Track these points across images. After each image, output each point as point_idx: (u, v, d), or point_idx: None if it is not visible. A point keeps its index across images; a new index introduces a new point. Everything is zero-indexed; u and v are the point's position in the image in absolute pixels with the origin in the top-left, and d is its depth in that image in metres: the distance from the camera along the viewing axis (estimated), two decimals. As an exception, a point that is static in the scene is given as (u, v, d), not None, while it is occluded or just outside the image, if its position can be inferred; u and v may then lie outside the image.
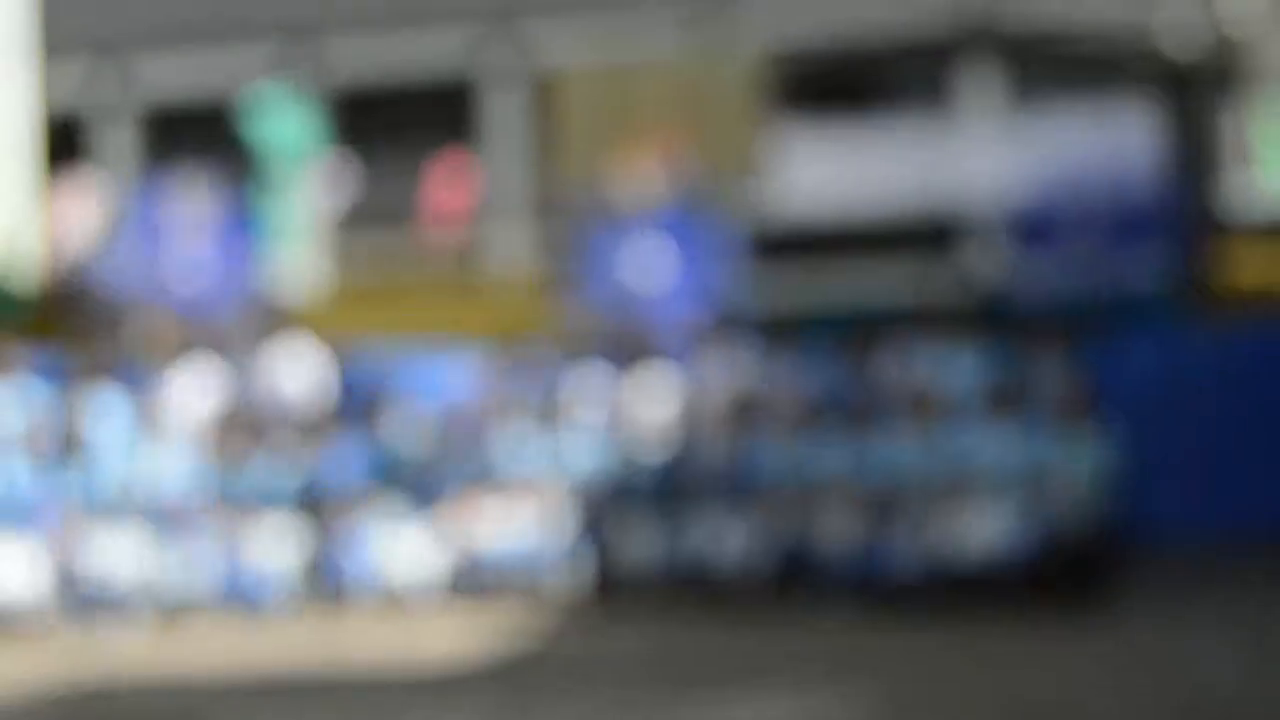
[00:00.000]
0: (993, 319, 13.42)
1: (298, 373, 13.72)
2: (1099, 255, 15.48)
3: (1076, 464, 11.50)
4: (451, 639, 10.48)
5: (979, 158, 18.11)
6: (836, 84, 19.35)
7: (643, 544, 12.17)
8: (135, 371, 13.24)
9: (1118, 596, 11.03)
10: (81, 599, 11.66)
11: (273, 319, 15.02)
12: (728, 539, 11.96)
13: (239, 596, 12.15)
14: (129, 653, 10.37)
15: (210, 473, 12.54)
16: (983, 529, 11.39)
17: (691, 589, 11.84)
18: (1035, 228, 15.72)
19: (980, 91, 18.76)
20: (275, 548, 12.34)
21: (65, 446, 12.20)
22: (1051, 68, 18.23)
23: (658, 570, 12.06)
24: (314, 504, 12.54)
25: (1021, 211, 16.09)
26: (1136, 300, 15.51)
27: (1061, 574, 11.16)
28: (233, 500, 12.46)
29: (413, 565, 12.42)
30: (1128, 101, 17.57)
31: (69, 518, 11.93)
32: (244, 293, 15.62)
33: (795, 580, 11.71)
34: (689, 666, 9.30)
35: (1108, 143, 16.58)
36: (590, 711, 7.78)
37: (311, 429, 13.09)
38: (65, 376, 12.66)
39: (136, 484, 12.24)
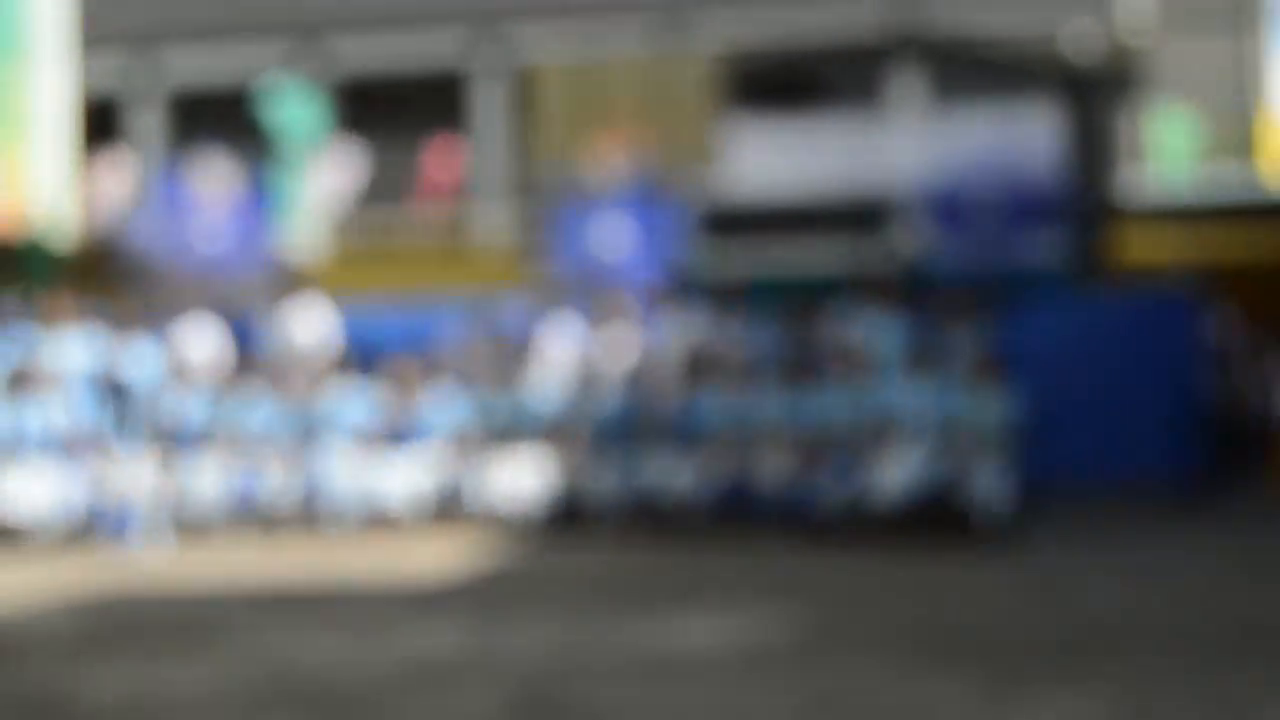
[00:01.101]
0: (913, 289, 13.37)
1: (307, 325, 13.69)
2: (1007, 234, 15.44)
3: (984, 416, 11.50)
4: (434, 559, 10.45)
5: (904, 148, 18.09)
6: (781, 82, 19.29)
7: (603, 479, 12.15)
8: (161, 322, 13.19)
9: (1021, 535, 11.04)
10: (114, 518, 11.63)
11: (285, 279, 14.96)
12: (677, 476, 11.95)
13: (246, 516, 12.13)
14: (152, 567, 10.30)
15: (224, 409, 12.50)
16: (900, 472, 11.38)
17: (644, 519, 11.83)
18: (952, 210, 15.66)
19: (906, 90, 18.73)
20: (279, 475, 12.32)
21: (105, 386, 12.21)
22: (969, 70, 18.20)
23: (616, 502, 12.04)
24: (315, 437, 12.52)
25: (940, 196, 16.02)
26: (1039, 274, 15.50)
27: (968, 513, 11.16)
28: (243, 433, 12.42)
29: (402, 492, 12.40)
30: (1034, 101, 17.56)
31: (104, 447, 11.90)
32: (260, 257, 15.54)
33: (735, 514, 11.70)
34: (641, 587, 9.27)
35: (1017, 136, 16.56)
36: (554, 624, 7.75)
37: (316, 373, 13.06)
38: (107, 325, 12.66)
39: (162, 419, 12.21)
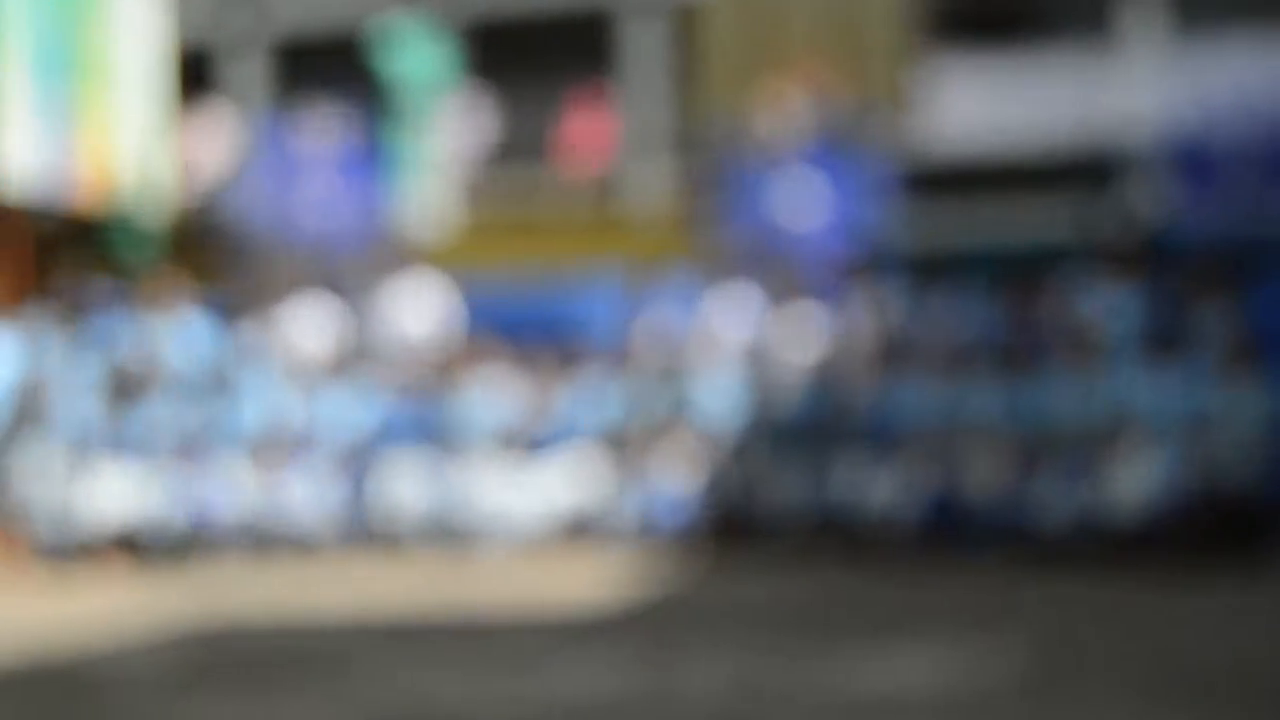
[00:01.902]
0: (1154, 258, 13.17)
1: (423, 308, 13.83)
2: (1267, 191, 15.15)
3: (1239, 413, 11.30)
4: (584, 582, 10.51)
5: (1141, 89, 17.83)
6: (992, 12, 19.11)
7: (782, 488, 12.13)
8: (269, 308, 13.42)
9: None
10: (220, 532, 11.89)
11: (401, 254, 15.12)
12: (871, 485, 11.89)
13: (368, 532, 12.32)
14: (263, 588, 10.50)
15: (340, 408, 12.69)
16: (1138, 479, 11.23)
17: (831, 536, 11.79)
18: (1200, 163, 15.39)
19: (1143, 19, 18.44)
20: (404, 485, 12.47)
21: (213, 381, 12.47)
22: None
23: (797, 516, 12.02)
24: (444, 443, 12.66)
25: (1185, 146, 15.77)
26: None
27: (1220, 529, 10.99)
28: (362, 437, 12.61)
29: (544, 504, 12.49)
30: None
31: (205, 451, 12.15)
32: (373, 228, 15.74)
33: (941, 529, 11.62)
34: (832, 616, 9.25)
35: (1276, 73, 16.24)
36: (732, 659, 7.75)
37: (439, 366, 13.20)
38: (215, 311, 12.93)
39: (269, 419, 12.44)
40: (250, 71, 21.65)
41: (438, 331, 13.60)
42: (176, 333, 12.63)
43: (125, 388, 12.29)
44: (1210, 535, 10.98)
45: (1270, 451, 11.24)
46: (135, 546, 11.81)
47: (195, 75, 19.67)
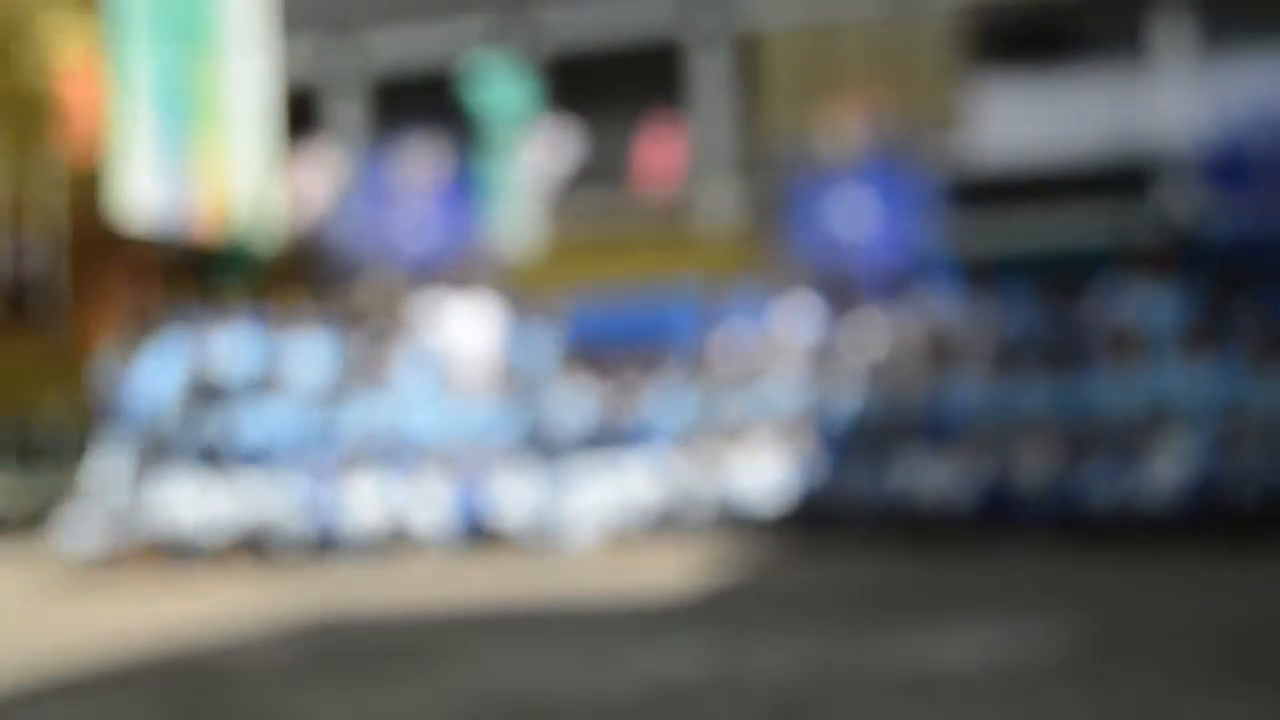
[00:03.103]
0: (1189, 258, 13.05)
1: (478, 325, 13.83)
2: (1294, 195, 15.00)
3: (1272, 402, 11.16)
4: (666, 572, 10.50)
5: (1174, 101, 17.66)
6: (1032, 35, 18.98)
7: (849, 481, 12.09)
8: (370, 327, 13.48)
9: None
10: (331, 535, 11.95)
11: (495, 275, 15.18)
12: (930, 476, 11.83)
13: (471, 534, 12.35)
14: (367, 586, 10.56)
15: (449, 417, 12.73)
16: (1178, 466, 11.11)
17: (893, 525, 11.74)
18: (1231, 168, 15.23)
19: (1175, 36, 18.25)
20: (508, 489, 12.49)
21: (332, 394, 12.53)
22: (1244, 10, 17.68)
23: (861, 507, 11.97)
24: (541, 447, 12.68)
25: (1216, 152, 15.62)
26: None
27: (1256, 511, 10.86)
28: (470, 443, 12.64)
29: (628, 500, 12.49)
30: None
31: (327, 460, 12.23)
32: (467, 250, 15.80)
33: (995, 516, 11.55)
34: (897, 599, 9.20)
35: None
36: (805, 641, 7.73)
37: (534, 378, 13.22)
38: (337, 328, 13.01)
39: (382, 429, 12.49)
40: (350, 109, 21.77)
41: (491, 346, 13.60)
42: (302, 346, 12.73)
43: (249, 397, 12.37)
44: (1246, 517, 10.85)
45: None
46: (261, 549, 11.89)
47: (301, 114, 19.81)
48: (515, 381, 13.02)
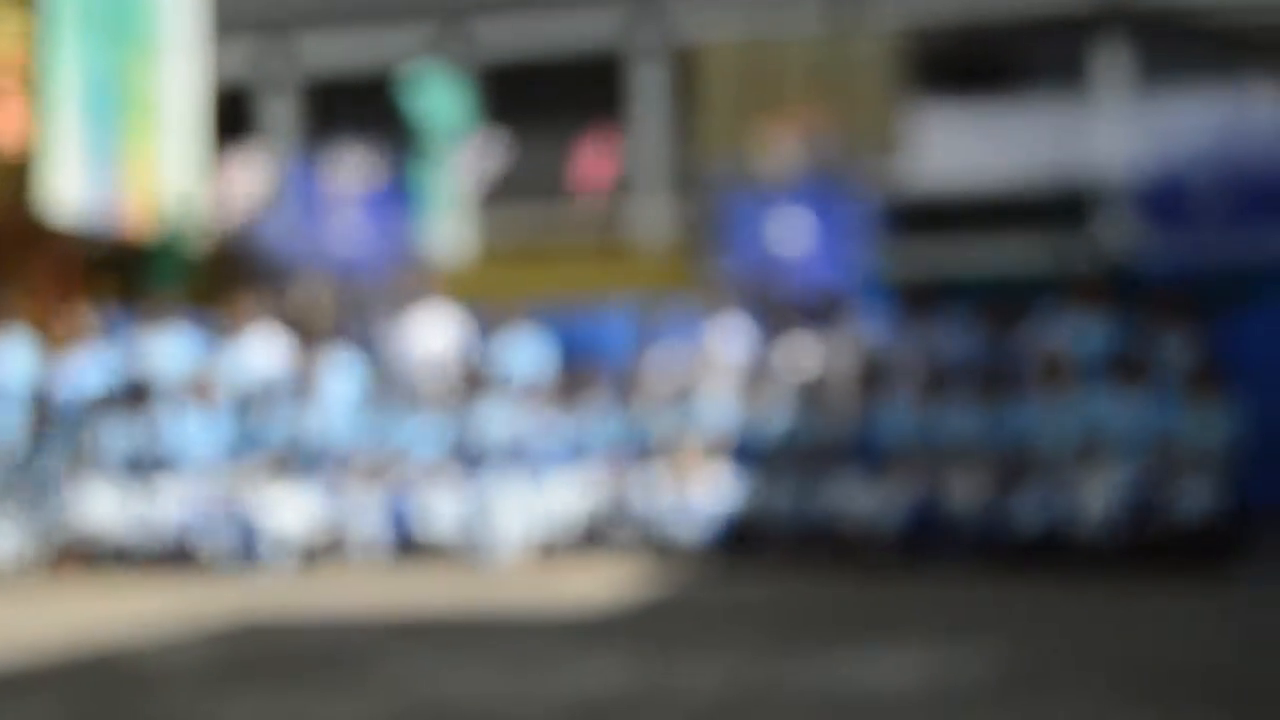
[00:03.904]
0: (1122, 289, 13.20)
1: (444, 333, 13.84)
2: (1228, 229, 15.19)
3: (1203, 435, 11.30)
4: (594, 588, 10.53)
5: (1111, 133, 17.86)
6: (971, 61, 19.16)
7: (775, 502, 12.15)
8: (299, 333, 13.44)
9: (1243, 568, 10.83)
10: (255, 543, 11.89)
11: (424, 282, 15.15)
12: (858, 499, 11.91)
13: (399, 544, 12.32)
14: (292, 594, 10.53)
15: (368, 427, 12.71)
16: (1107, 494, 11.24)
17: (822, 546, 11.81)
18: (1165, 201, 15.43)
19: (1112, 68, 18.47)
20: (431, 498, 12.48)
21: (262, 399, 12.47)
22: (1183, 44, 17.92)
23: (790, 527, 12.04)
24: (464, 457, 12.67)
25: (1151, 185, 15.81)
26: (1264, 274, 15.21)
27: (1185, 544, 10.99)
28: (393, 452, 12.62)
29: (558, 516, 12.51)
30: (1258, 78, 17.24)
31: (245, 467, 12.17)
32: (398, 258, 15.76)
33: (922, 540, 11.63)
34: (823, 620, 9.26)
35: (1239, 118, 16.26)
36: (730, 659, 7.78)
37: (458, 387, 13.20)
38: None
39: (304, 438, 12.45)
40: (284, 112, 21.71)
41: (453, 354, 13.61)
42: (239, 350, 12.67)
43: (178, 400, 12.30)
44: (1173, 547, 10.98)
45: (1230, 469, 11.25)
46: (186, 556, 11.81)
47: (233, 115, 19.74)
48: (496, 389, 13.00)
